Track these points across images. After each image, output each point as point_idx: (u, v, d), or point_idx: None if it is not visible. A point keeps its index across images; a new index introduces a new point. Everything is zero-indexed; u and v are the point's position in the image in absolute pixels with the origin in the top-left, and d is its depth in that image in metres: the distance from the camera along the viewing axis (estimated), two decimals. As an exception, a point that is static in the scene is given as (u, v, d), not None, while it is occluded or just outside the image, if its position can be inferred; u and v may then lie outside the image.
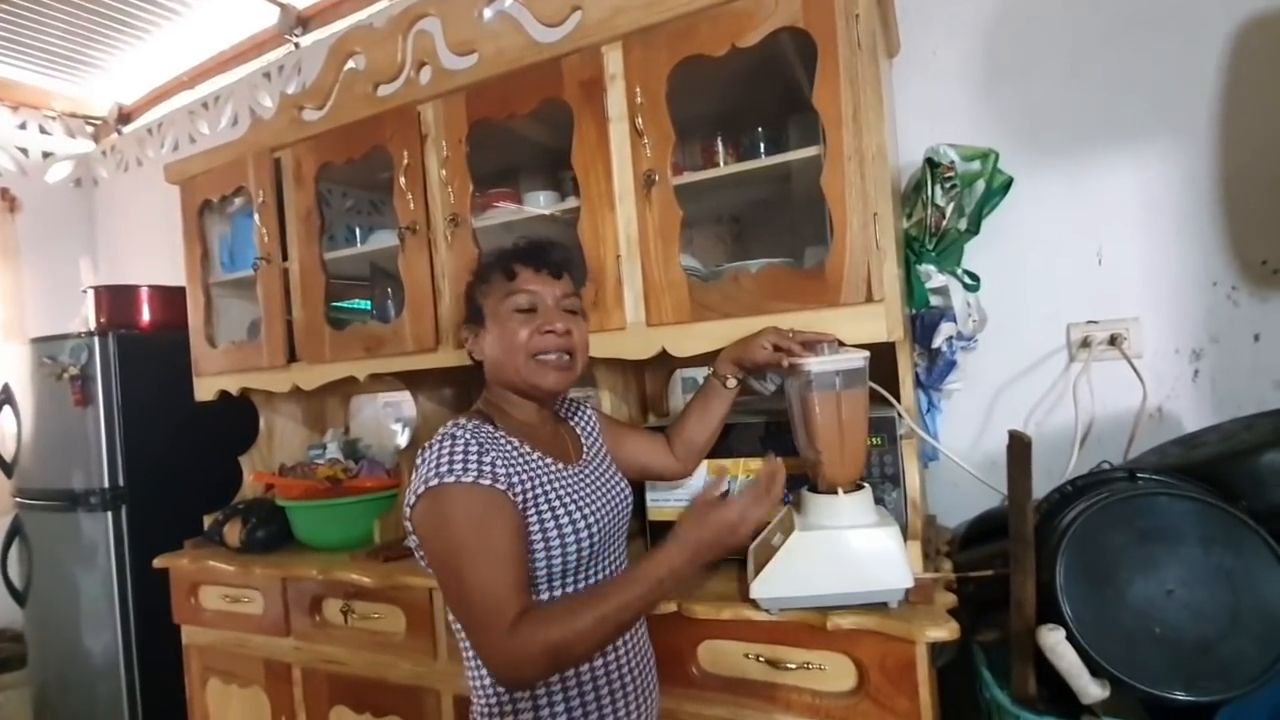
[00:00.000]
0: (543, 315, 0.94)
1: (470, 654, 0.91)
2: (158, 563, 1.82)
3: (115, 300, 2.24)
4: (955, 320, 1.35)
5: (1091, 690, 0.86)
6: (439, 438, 0.87)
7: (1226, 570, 0.86)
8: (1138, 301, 1.38)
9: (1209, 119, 1.32)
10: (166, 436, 2.10)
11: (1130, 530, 0.91)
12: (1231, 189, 1.31)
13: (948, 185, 1.34)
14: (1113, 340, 1.37)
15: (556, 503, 0.89)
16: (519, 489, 0.86)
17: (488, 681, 0.90)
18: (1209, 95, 1.32)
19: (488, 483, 0.83)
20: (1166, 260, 1.36)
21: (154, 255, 2.90)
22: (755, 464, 1.26)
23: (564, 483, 0.93)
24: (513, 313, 0.94)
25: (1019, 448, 0.91)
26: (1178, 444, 1.15)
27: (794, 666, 1.07)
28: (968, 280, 1.42)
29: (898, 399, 1.19)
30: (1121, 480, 1.00)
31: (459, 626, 0.90)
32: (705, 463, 1.25)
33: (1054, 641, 0.86)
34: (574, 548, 0.88)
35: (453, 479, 0.82)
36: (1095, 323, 1.40)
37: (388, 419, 2.22)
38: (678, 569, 0.82)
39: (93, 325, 2.19)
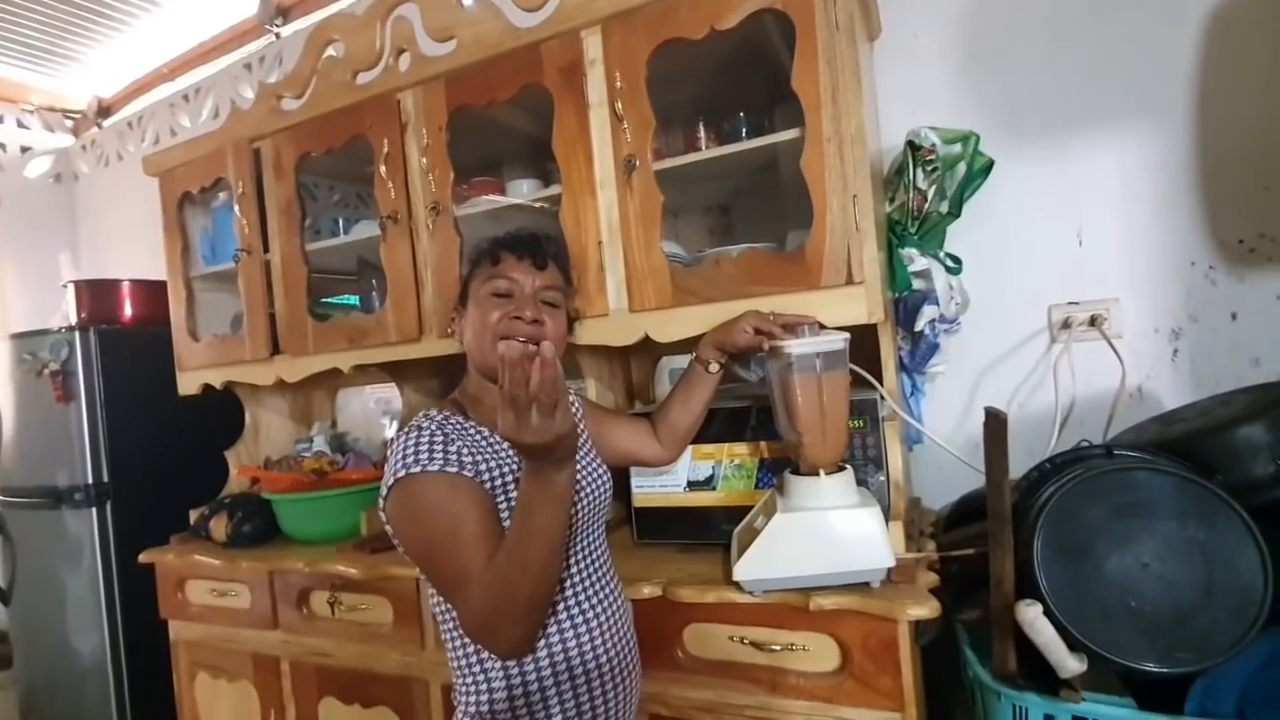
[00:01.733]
0: (517, 301, 0.94)
1: (451, 640, 0.91)
2: (144, 558, 1.81)
3: (96, 295, 2.22)
4: (938, 303, 1.36)
5: (1069, 664, 0.87)
6: (406, 430, 0.88)
7: (1200, 544, 0.87)
8: (1118, 282, 1.39)
9: (1186, 100, 1.33)
10: (151, 431, 2.09)
11: (1107, 505, 0.91)
12: (1208, 169, 1.32)
13: (929, 168, 1.34)
14: (1093, 321, 1.38)
15: None
16: (486, 476, 0.86)
17: (464, 665, 0.90)
18: (1186, 77, 1.32)
19: (454, 470, 0.83)
20: (1145, 241, 1.37)
21: (136, 249, 2.88)
22: (740, 449, 1.27)
23: None
24: (489, 296, 0.95)
25: (995, 425, 0.92)
26: (1156, 421, 1.16)
27: (778, 648, 1.07)
28: (950, 263, 1.42)
29: (880, 381, 1.20)
30: (1099, 457, 1.01)
31: (443, 613, 0.91)
32: (690, 448, 1.25)
33: (1031, 616, 0.87)
34: None
35: (419, 469, 0.82)
36: (1076, 304, 1.41)
37: (377, 413, 2.21)
38: (554, 492, 0.73)
39: (74, 320, 2.17)
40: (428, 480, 0.82)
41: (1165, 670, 0.85)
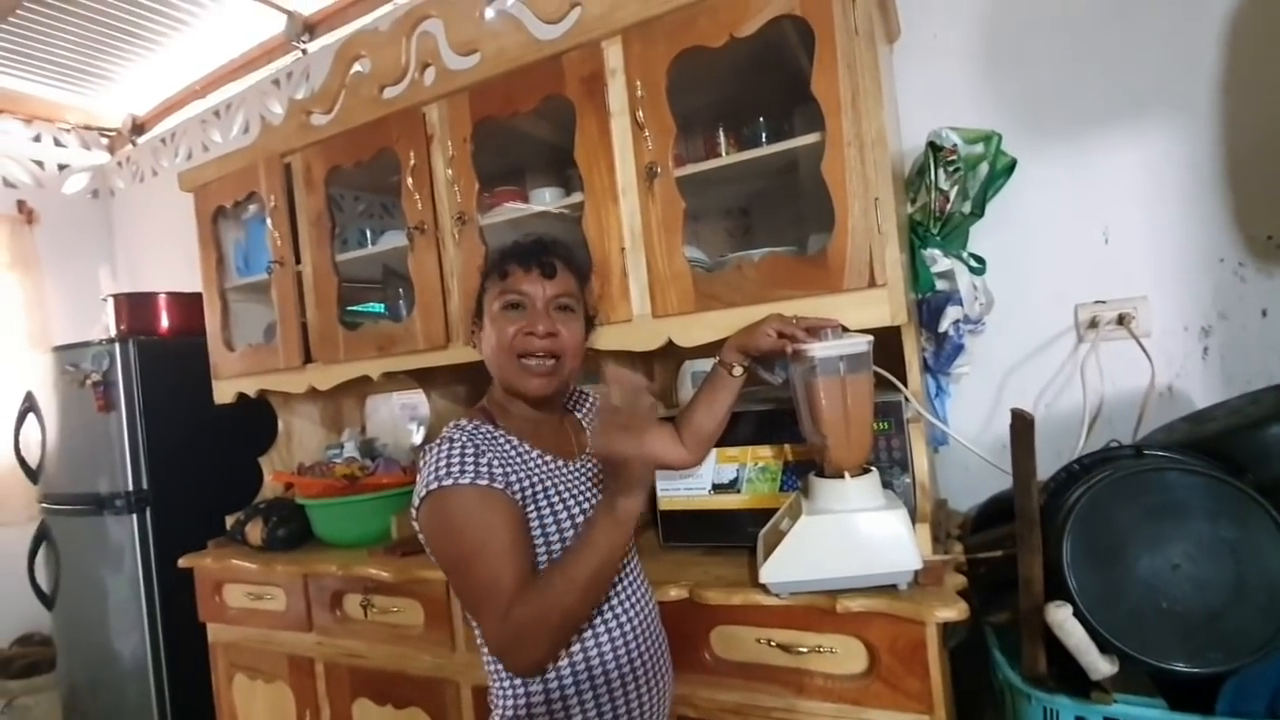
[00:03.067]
0: (529, 316, 0.94)
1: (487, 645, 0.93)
2: (182, 563, 1.86)
3: (135, 307, 2.29)
4: (961, 303, 1.35)
5: (1100, 666, 0.86)
6: (438, 441, 0.90)
7: (1232, 544, 0.87)
8: (1145, 280, 1.37)
9: (1211, 95, 1.31)
10: (187, 439, 2.14)
11: (1136, 506, 0.91)
12: (1235, 164, 1.30)
13: (951, 169, 1.35)
14: (1121, 320, 1.37)
15: (556, 498, 0.91)
16: (516, 487, 0.88)
17: (500, 667, 0.92)
18: (1210, 71, 1.31)
19: (485, 482, 0.85)
20: (1173, 238, 1.35)
21: (171, 262, 2.96)
22: (764, 452, 1.28)
23: (563, 478, 0.95)
24: (502, 311, 0.95)
25: (1021, 426, 0.92)
26: (1186, 421, 1.15)
27: (806, 650, 1.08)
28: (973, 263, 1.42)
29: (904, 383, 1.20)
30: (1128, 457, 1.00)
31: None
32: (715, 451, 1.27)
33: (1061, 618, 0.87)
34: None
35: (450, 481, 0.84)
36: (1103, 302, 1.40)
37: (403, 419, 2.25)
38: (616, 516, 0.80)
39: (113, 332, 2.23)
40: (459, 493, 0.84)
41: (1196, 670, 0.84)
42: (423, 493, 0.86)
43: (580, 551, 0.80)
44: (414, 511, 0.89)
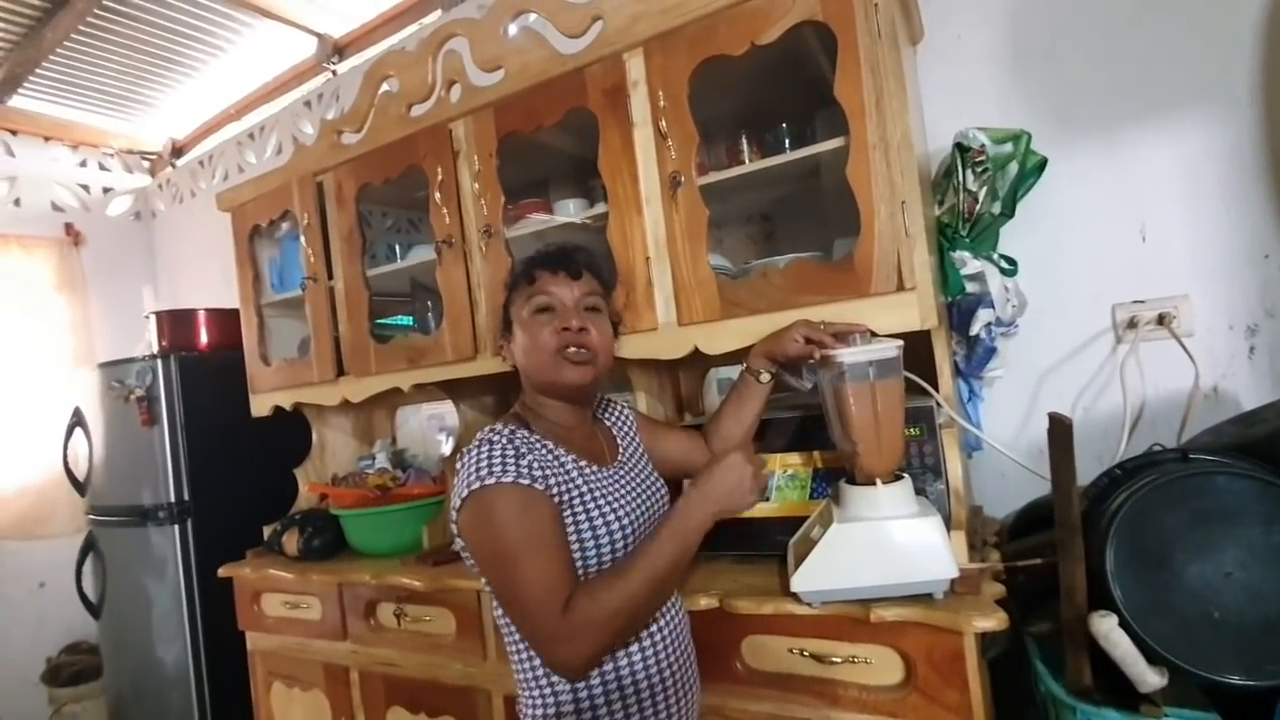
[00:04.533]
0: (561, 315, 0.97)
1: (517, 653, 0.93)
2: (222, 572, 1.91)
3: (175, 324, 2.36)
4: (993, 306, 1.33)
5: (1149, 678, 0.83)
6: (477, 443, 0.91)
7: (1289, 551, 0.83)
8: (1186, 278, 1.33)
9: (1251, 86, 1.27)
10: (227, 451, 2.20)
11: (1184, 511, 0.88)
12: (1278, 157, 1.25)
13: (979, 169, 1.32)
14: (1161, 319, 1.33)
15: (590, 503, 0.92)
16: (554, 490, 0.89)
17: (530, 677, 0.92)
18: (1249, 61, 1.27)
19: (526, 482, 0.86)
20: (1214, 234, 1.31)
21: (210, 280, 3.05)
22: (794, 459, 1.27)
23: (598, 484, 0.95)
24: (534, 314, 0.97)
25: (1059, 430, 0.89)
26: (1234, 423, 1.11)
27: (839, 660, 1.06)
28: (1004, 265, 1.39)
29: (936, 388, 1.18)
30: (1173, 461, 0.97)
31: (509, 625, 0.93)
32: (742, 459, 1.25)
33: (1107, 629, 0.84)
34: (608, 547, 0.90)
35: (493, 480, 0.85)
36: (1142, 302, 1.36)
37: (432, 429, 2.28)
38: (701, 520, 0.89)
39: (156, 349, 2.31)
40: (503, 491, 0.85)
41: (1253, 683, 0.81)
42: (464, 493, 0.86)
43: (655, 553, 0.86)
44: (453, 514, 0.89)
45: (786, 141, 1.43)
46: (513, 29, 1.51)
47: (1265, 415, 1.08)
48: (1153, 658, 0.84)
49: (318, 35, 2.56)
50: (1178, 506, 0.88)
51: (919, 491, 1.10)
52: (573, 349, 0.96)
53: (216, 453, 2.19)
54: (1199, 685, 0.85)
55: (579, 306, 0.98)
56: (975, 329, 1.33)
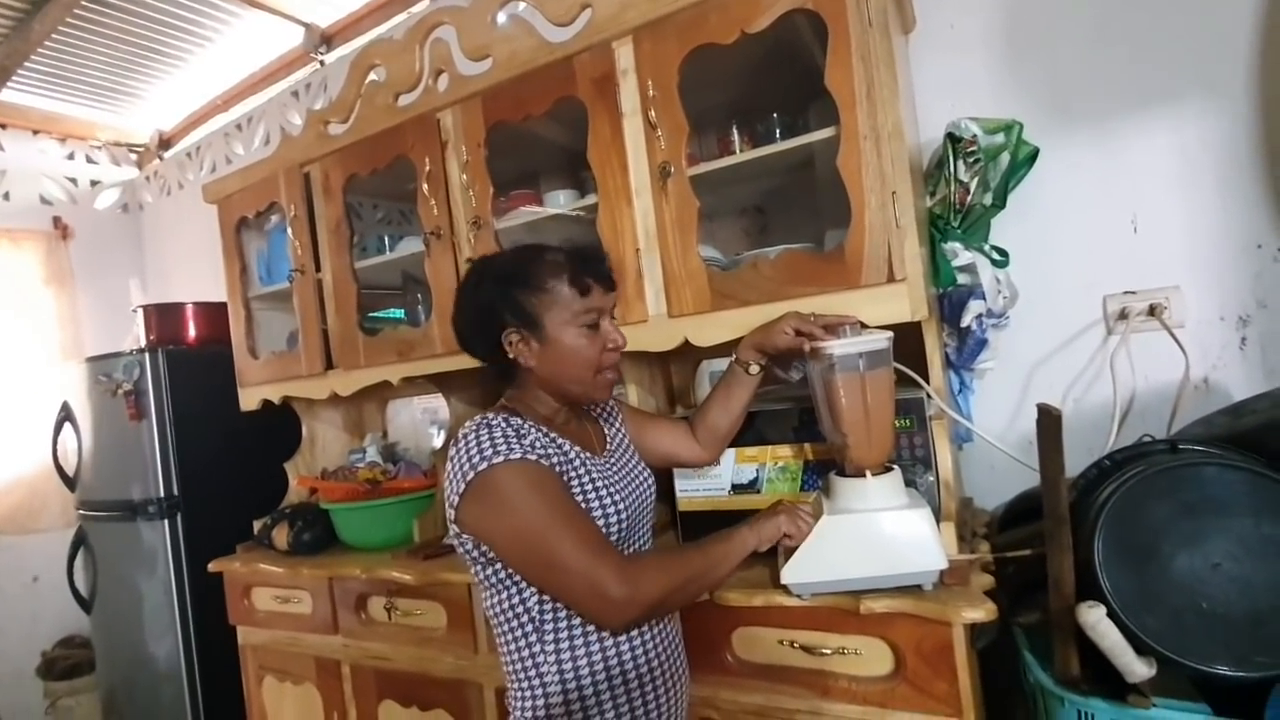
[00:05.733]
0: (604, 331, 0.96)
1: (507, 645, 0.93)
2: (212, 567, 1.90)
3: (163, 318, 2.34)
4: (984, 297, 1.32)
5: (1137, 668, 0.83)
6: (473, 428, 0.89)
7: (1277, 542, 0.83)
8: (1177, 269, 1.33)
9: (1245, 76, 1.26)
10: (215, 446, 2.19)
11: (1173, 503, 0.87)
12: (1273, 146, 1.25)
13: (971, 160, 1.32)
14: (1152, 310, 1.33)
15: (590, 487, 0.92)
16: (559, 470, 0.89)
17: (520, 669, 0.92)
18: (1244, 51, 1.26)
19: (534, 458, 0.86)
20: (1207, 224, 1.30)
21: (197, 273, 3.03)
22: (784, 451, 1.26)
23: (596, 468, 0.95)
24: (583, 330, 0.94)
25: (1048, 421, 0.89)
26: (1225, 414, 1.10)
27: (829, 652, 1.06)
28: (996, 256, 1.39)
29: (926, 380, 1.18)
30: (1162, 452, 0.97)
31: (500, 617, 0.92)
32: (732, 450, 1.25)
33: (1095, 619, 0.84)
34: (603, 532, 0.90)
35: (499, 459, 0.84)
36: (1133, 293, 1.36)
37: (424, 423, 2.27)
38: (747, 550, 0.96)
39: (143, 343, 2.29)
40: (512, 467, 0.84)
41: (1242, 675, 0.80)
42: (469, 476, 0.84)
43: (716, 561, 0.93)
44: (454, 500, 0.86)
45: (778, 132, 1.41)
46: (501, 17, 1.50)
47: (1256, 406, 1.08)
48: (1141, 648, 0.84)
49: (305, 25, 2.53)
50: (1167, 497, 0.88)
51: (909, 483, 1.10)
52: (613, 372, 0.98)
53: (205, 447, 2.17)
54: (1188, 676, 0.85)
55: (609, 316, 0.98)
56: (966, 320, 1.32)
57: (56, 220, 3.10)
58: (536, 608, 0.89)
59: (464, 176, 1.51)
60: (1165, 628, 0.84)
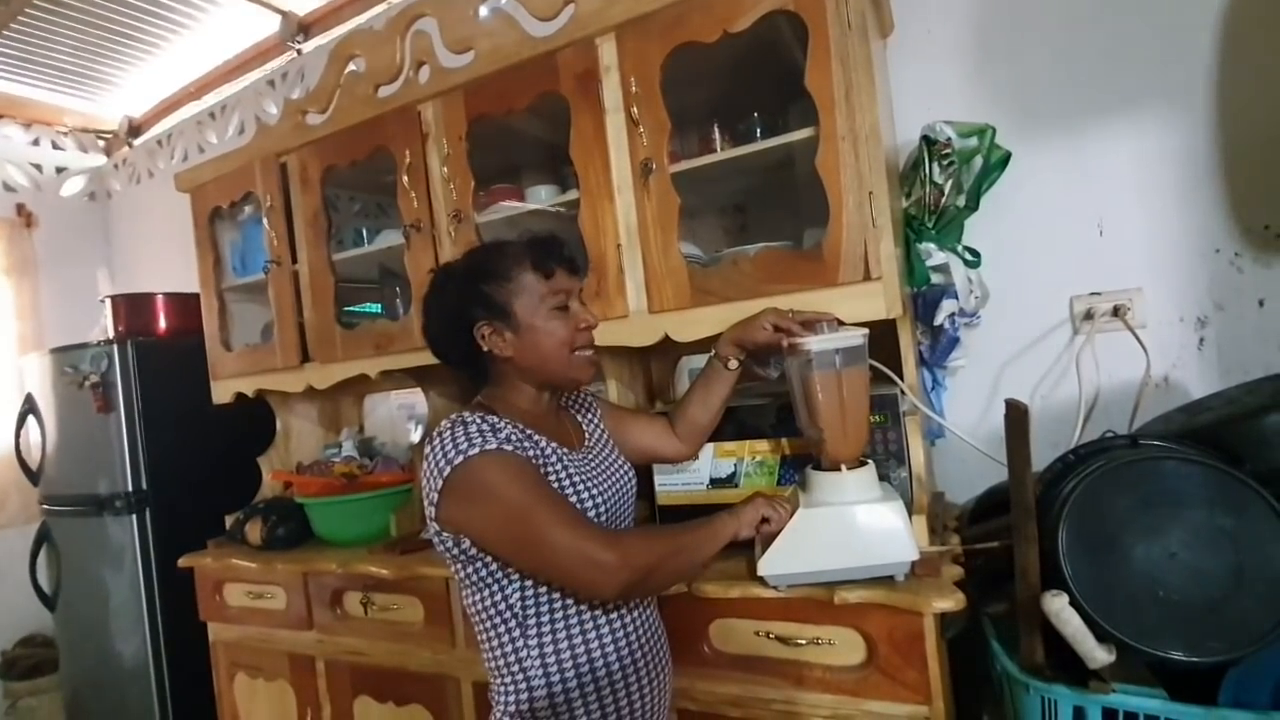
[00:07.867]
0: (575, 312, 0.98)
1: (489, 640, 0.93)
2: (183, 563, 1.86)
3: (132, 309, 2.29)
4: (957, 297, 1.36)
5: (1097, 655, 0.86)
6: (448, 426, 0.89)
7: (1230, 532, 0.87)
8: (1140, 271, 1.37)
9: (1206, 86, 1.31)
10: (186, 440, 2.15)
11: (1132, 495, 0.91)
12: (1231, 155, 1.30)
13: (945, 162, 1.35)
14: (1116, 311, 1.37)
15: (566, 482, 0.92)
16: (535, 463, 0.90)
17: (502, 664, 0.92)
18: (1205, 62, 1.31)
19: (510, 448, 0.87)
20: (1168, 229, 1.35)
21: (168, 264, 2.96)
22: (762, 446, 1.28)
23: (573, 463, 0.96)
24: (554, 312, 0.96)
25: (1017, 416, 0.92)
26: (1182, 411, 1.15)
27: (804, 642, 1.08)
28: (968, 257, 1.42)
29: (900, 377, 1.20)
30: (1123, 447, 1.00)
31: (473, 612, 0.92)
32: (710, 445, 1.27)
33: (1058, 607, 0.87)
34: None
35: (476, 451, 0.85)
36: (1098, 294, 1.40)
37: (401, 418, 2.26)
38: (728, 533, 0.98)
39: (111, 334, 2.23)
40: (490, 457, 0.85)
41: (1196, 660, 0.84)
42: (446, 470, 0.85)
43: (700, 541, 0.96)
44: (433, 496, 0.87)
45: (758, 131, 1.43)
46: (484, 10, 1.49)
47: (1211, 404, 1.13)
48: (1102, 635, 0.87)
49: (282, 13, 2.48)
50: (1127, 490, 0.91)
51: (883, 477, 1.12)
52: (590, 350, 0.99)
53: (176, 441, 2.13)
54: (1145, 662, 0.89)
55: (578, 299, 1.00)
56: (939, 319, 1.36)
57: (20, 207, 3.01)
58: (519, 604, 0.90)
59: (445, 169, 1.50)
60: (1124, 615, 0.87)
